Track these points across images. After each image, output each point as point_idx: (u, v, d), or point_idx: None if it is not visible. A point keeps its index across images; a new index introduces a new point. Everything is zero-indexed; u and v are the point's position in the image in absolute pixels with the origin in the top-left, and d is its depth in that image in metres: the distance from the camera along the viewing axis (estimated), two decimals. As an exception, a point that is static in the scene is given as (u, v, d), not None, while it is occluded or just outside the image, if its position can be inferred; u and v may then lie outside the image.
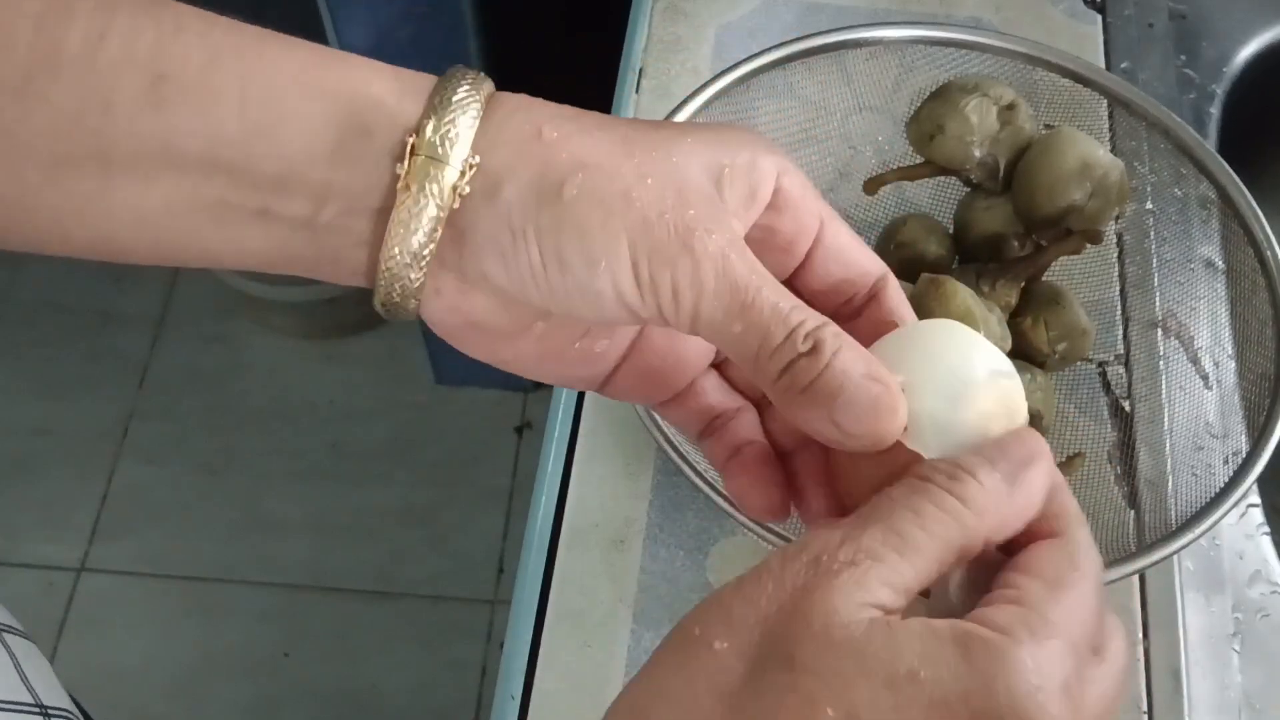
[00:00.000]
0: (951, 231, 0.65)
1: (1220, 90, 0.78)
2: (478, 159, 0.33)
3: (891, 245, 0.64)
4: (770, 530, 0.52)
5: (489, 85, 0.35)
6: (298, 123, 0.33)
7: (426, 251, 0.33)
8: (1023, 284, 0.61)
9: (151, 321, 1.75)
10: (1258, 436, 0.55)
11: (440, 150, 0.33)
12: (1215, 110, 0.77)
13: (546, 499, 0.61)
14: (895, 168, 0.64)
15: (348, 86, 0.33)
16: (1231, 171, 0.61)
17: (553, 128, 0.34)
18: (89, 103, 0.32)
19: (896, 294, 0.38)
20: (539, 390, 1.65)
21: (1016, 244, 0.61)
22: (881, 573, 0.29)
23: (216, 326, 1.74)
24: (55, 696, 0.51)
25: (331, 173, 0.33)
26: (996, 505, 0.32)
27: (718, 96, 0.62)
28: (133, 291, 1.77)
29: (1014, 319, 0.60)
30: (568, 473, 0.62)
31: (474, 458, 1.63)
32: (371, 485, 1.61)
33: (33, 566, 1.56)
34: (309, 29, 1.11)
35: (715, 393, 0.39)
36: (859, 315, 0.38)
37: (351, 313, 1.69)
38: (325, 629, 1.52)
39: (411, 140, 0.33)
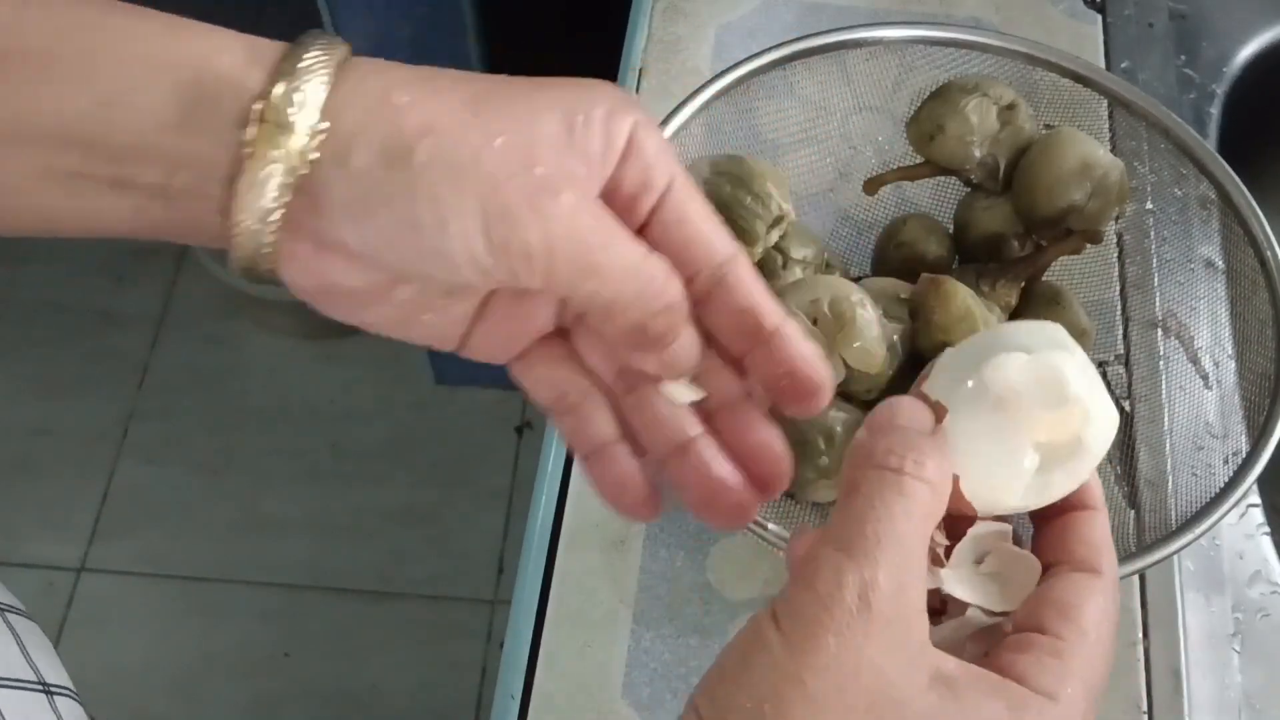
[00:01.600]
0: (951, 231, 0.65)
1: (1220, 90, 0.78)
2: (326, 124, 0.33)
3: (891, 245, 0.64)
4: (771, 531, 0.52)
5: (342, 50, 0.34)
6: (144, 95, 0.33)
7: (274, 216, 0.33)
8: (1023, 284, 0.61)
9: (151, 321, 1.75)
10: (1258, 436, 0.55)
11: (286, 116, 0.33)
12: (1215, 110, 0.77)
13: (546, 499, 0.61)
14: (895, 168, 0.64)
15: (195, 57, 0.33)
16: (1231, 171, 0.61)
17: (403, 91, 0.33)
18: None
19: (749, 280, 0.37)
20: (539, 390, 1.65)
21: (1016, 244, 0.61)
22: (914, 604, 0.31)
23: (216, 326, 1.74)
24: (57, 675, 0.51)
25: (181, 142, 0.33)
26: (946, 480, 0.33)
27: (718, 96, 0.62)
28: (133, 291, 1.77)
29: (1014, 319, 0.60)
30: (568, 473, 0.62)
31: (474, 458, 1.63)
32: (371, 485, 1.61)
33: (33, 566, 1.56)
34: (308, 29, 1.11)
35: (563, 366, 0.39)
36: (706, 298, 0.37)
37: (351, 313, 1.69)
38: (325, 629, 1.52)
39: (258, 107, 0.33)
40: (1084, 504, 0.35)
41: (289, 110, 0.33)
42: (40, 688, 0.49)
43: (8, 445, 1.64)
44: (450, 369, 1.63)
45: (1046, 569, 0.34)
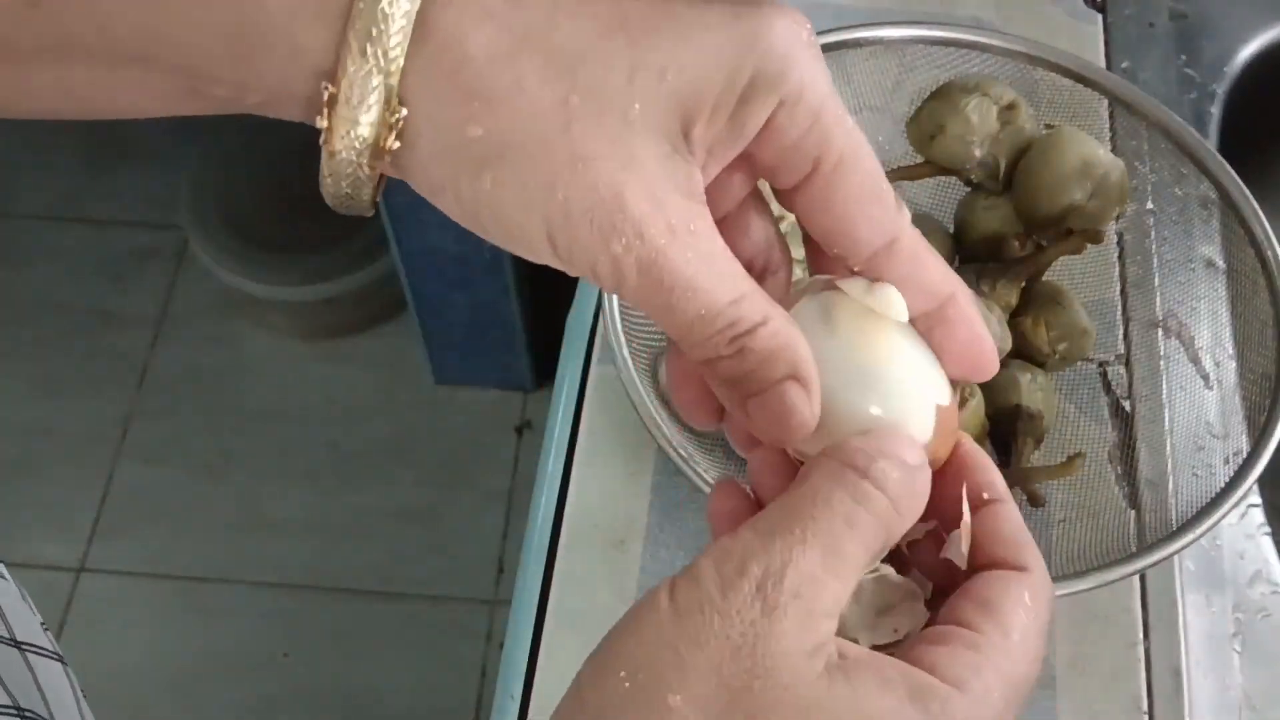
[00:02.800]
0: (952, 231, 0.65)
1: (1221, 90, 0.78)
2: (402, 114, 0.29)
3: (892, 245, 0.64)
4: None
5: None
6: (188, 29, 0.29)
7: (364, 169, 0.30)
8: (1023, 284, 0.61)
9: (151, 321, 1.75)
10: (1258, 436, 0.55)
11: (354, 112, 0.29)
12: (1216, 110, 0.77)
13: (546, 499, 0.61)
14: (895, 168, 0.64)
15: None
16: (1232, 171, 0.61)
17: (486, 76, 0.29)
18: None
19: (916, 256, 0.33)
20: (539, 390, 1.65)
21: (1017, 244, 0.61)
22: (825, 603, 0.29)
23: (216, 326, 1.74)
24: (28, 635, 0.50)
25: (241, 74, 0.30)
26: (913, 500, 0.31)
27: (718, 96, 0.62)
28: (133, 291, 1.77)
29: (1014, 319, 0.60)
30: (568, 473, 0.62)
31: (474, 458, 1.63)
32: (371, 485, 1.61)
33: (33, 566, 1.56)
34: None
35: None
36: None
37: (351, 313, 1.69)
38: (325, 629, 1.52)
39: (328, 91, 0.29)
40: (987, 498, 0.33)
41: (356, 102, 0.29)
42: (9, 642, 0.48)
43: (8, 445, 1.64)
44: (450, 369, 1.63)
45: (975, 573, 0.32)
